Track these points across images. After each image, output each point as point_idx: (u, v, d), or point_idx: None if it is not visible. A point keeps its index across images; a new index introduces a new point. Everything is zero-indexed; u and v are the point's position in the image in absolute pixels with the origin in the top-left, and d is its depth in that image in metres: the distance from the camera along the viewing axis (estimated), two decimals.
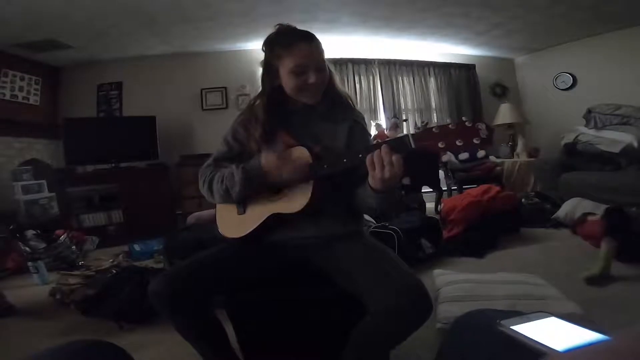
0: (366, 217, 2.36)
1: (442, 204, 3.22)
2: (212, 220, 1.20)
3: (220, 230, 1.14)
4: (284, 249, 1.08)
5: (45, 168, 3.83)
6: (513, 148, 4.58)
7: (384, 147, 0.83)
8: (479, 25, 4.06)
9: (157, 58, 4.30)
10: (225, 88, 4.46)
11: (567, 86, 4.82)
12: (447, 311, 1.40)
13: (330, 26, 3.82)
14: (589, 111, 3.92)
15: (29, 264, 2.49)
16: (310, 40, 1.01)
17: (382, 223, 2.35)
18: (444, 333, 1.24)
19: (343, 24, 3.83)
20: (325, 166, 0.94)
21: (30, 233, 2.85)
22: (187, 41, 4.01)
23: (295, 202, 0.97)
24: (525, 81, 5.33)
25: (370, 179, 0.86)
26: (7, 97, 3.68)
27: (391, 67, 4.87)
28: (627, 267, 1.90)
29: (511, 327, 0.69)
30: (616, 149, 3.45)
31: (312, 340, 1.07)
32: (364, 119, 1.13)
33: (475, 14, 3.72)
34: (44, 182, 3.61)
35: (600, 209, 2.53)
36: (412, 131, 4.55)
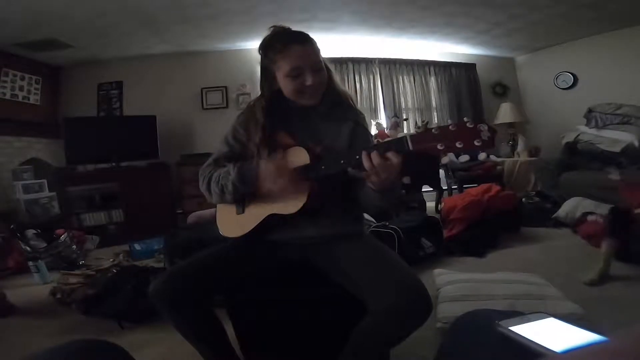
0: (366, 216, 2.36)
1: (443, 203, 3.22)
2: (213, 220, 1.20)
3: (220, 229, 1.14)
4: (284, 249, 1.08)
5: (45, 167, 3.83)
6: (514, 147, 4.58)
7: (378, 150, 0.83)
8: (479, 24, 4.04)
9: (157, 57, 4.29)
10: (225, 87, 4.46)
11: (568, 85, 4.81)
12: (447, 310, 1.41)
13: (330, 25, 3.82)
14: (590, 110, 3.92)
15: (30, 263, 2.49)
16: (303, 41, 1.00)
17: (383, 222, 2.35)
18: (444, 332, 1.25)
19: (343, 23, 3.82)
20: (323, 167, 0.94)
21: (30, 232, 2.85)
22: (187, 40, 4.00)
23: (293, 202, 0.97)
24: (526, 80, 5.32)
25: (367, 179, 0.87)
26: (8, 96, 3.68)
27: (391, 66, 4.86)
28: (627, 267, 1.90)
29: (510, 327, 0.70)
30: (617, 149, 3.45)
31: (311, 340, 1.07)
32: (364, 118, 1.13)
33: (475, 13, 3.71)
34: (44, 181, 3.61)
35: (600, 208, 2.53)
36: (412, 130, 4.59)
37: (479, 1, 3.43)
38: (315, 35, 1.03)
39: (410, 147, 0.81)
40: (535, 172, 4.08)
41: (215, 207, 1.18)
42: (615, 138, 3.53)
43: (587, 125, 3.89)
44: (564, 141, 3.92)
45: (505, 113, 4.69)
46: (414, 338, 0.88)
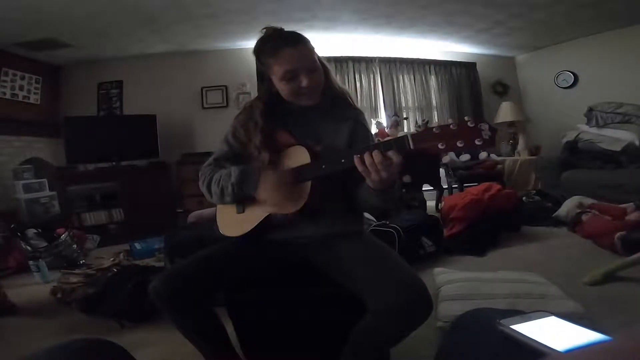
0: (366, 215, 2.36)
1: (443, 202, 3.22)
2: (213, 219, 1.20)
3: (220, 229, 1.14)
4: (284, 248, 1.08)
5: (46, 167, 3.83)
6: (514, 146, 4.58)
7: (378, 150, 0.82)
8: (480, 23, 4.04)
9: (157, 56, 4.29)
10: (225, 86, 4.46)
11: (569, 84, 4.80)
12: (447, 309, 1.40)
13: (330, 24, 3.80)
14: (590, 109, 3.91)
15: (30, 262, 2.49)
16: (295, 43, 0.99)
17: (383, 221, 2.35)
18: (445, 332, 1.25)
19: (343, 22, 3.81)
20: (323, 166, 0.93)
21: (31, 232, 2.86)
22: (187, 39, 4.00)
23: (292, 202, 0.97)
24: (527, 79, 5.31)
25: (367, 179, 0.86)
26: (8, 96, 3.68)
27: (392, 65, 4.85)
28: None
29: (511, 326, 0.69)
30: (617, 147, 3.45)
31: (312, 339, 1.07)
32: (364, 116, 1.13)
33: (476, 12, 3.71)
34: (44, 180, 3.61)
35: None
36: (412, 129, 4.59)
37: (479, 0, 3.43)
38: (315, 34, 1.03)
39: (412, 146, 0.80)
40: (535, 171, 4.08)
41: (216, 206, 1.18)
42: (616, 137, 3.53)
43: (587, 124, 3.89)
44: (565, 140, 3.92)
45: (505, 112, 4.69)
46: (414, 337, 0.88)
